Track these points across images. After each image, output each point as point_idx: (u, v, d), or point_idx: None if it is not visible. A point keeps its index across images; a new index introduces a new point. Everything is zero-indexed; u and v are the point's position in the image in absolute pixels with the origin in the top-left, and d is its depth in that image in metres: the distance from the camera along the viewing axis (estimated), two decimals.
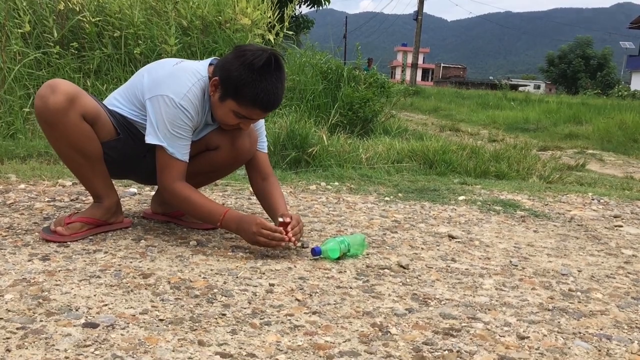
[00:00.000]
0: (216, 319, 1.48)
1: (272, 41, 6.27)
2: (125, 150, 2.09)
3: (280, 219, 2.06)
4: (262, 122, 2.32)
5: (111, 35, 5.42)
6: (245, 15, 6.05)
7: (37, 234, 2.07)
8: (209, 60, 2.09)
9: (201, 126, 2.12)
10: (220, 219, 2.03)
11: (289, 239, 2.01)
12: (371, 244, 2.31)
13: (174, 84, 1.97)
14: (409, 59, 41.76)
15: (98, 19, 5.44)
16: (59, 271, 1.72)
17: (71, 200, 2.64)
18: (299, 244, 2.13)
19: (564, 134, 10.30)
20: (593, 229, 2.90)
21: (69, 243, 1.97)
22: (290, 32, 7.13)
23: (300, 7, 16.26)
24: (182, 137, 1.99)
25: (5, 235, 2.02)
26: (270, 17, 6.46)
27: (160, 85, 1.97)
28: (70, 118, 1.90)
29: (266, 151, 2.34)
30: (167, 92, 1.95)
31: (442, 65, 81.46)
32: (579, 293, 1.91)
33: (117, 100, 2.10)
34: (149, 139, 1.98)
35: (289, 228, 2.03)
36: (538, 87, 62.10)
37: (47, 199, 2.61)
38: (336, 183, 3.62)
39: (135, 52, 5.33)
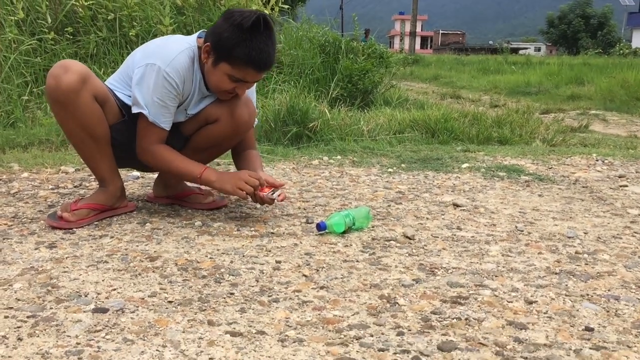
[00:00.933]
0: (224, 298, 1.49)
1: None
2: (130, 133, 2.09)
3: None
4: (254, 94, 2.32)
5: (105, 19, 5.36)
6: None
7: (42, 222, 2.07)
8: (197, 33, 2.11)
9: (196, 97, 2.12)
10: (200, 171, 2.08)
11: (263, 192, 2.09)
12: (376, 216, 2.31)
13: (162, 52, 2.00)
14: (407, 28, 41.37)
15: (91, 2, 5.38)
16: (67, 258, 1.73)
17: (74, 186, 2.64)
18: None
19: (566, 95, 10.21)
20: (598, 190, 2.89)
21: (74, 230, 1.98)
22: (286, 6, 7.05)
23: None
24: (165, 106, 2.01)
25: (11, 225, 2.03)
26: None
27: (149, 56, 2.01)
28: (82, 97, 1.90)
29: (253, 126, 2.34)
30: (154, 59, 1.97)
31: (440, 32, 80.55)
32: (585, 255, 1.91)
33: (113, 85, 2.09)
34: (133, 109, 2.02)
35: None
36: (539, 50, 61.53)
37: (50, 187, 2.61)
38: (339, 157, 3.61)
39: (130, 34, 5.28)
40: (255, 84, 2.19)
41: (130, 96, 2.05)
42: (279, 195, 2.13)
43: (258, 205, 2.36)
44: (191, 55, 2.03)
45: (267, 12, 6.08)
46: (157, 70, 1.95)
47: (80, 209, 2.05)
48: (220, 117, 2.15)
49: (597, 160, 3.68)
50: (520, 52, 41.84)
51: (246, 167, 2.24)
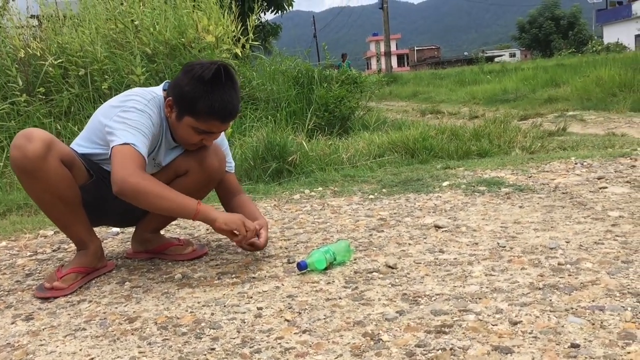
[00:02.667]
0: (205, 355, 1.46)
1: (240, 54, 6.25)
2: (99, 192, 2.06)
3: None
4: (225, 143, 2.31)
5: (76, 74, 5.38)
6: (209, 33, 6.02)
7: (20, 293, 2.04)
8: (162, 85, 2.10)
9: (164, 147, 2.10)
10: (196, 206, 1.92)
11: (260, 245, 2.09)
12: (358, 247, 2.30)
13: (132, 100, 1.96)
14: (382, 48, 41.79)
15: (60, 60, 5.40)
16: (43, 329, 1.69)
17: (53, 250, 2.61)
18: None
19: (543, 99, 10.31)
20: (578, 194, 2.90)
21: (51, 298, 1.94)
22: (257, 43, 7.11)
23: (264, 14, 16.22)
24: (143, 134, 1.91)
25: None
26: (234, 30, 6.43)
27: (115, 107, 1.96)
28: (50, 164, 1.87)
29: (233, 171, 2.34)
30: (127, 105, 1.94)
31: (415, 48, 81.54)
32: (568, 266, 1.90)
33: (79, 144, 2.07)
34: (110, 140, 1.89)
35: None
36: (514, 55, 62.30)
37: (29, 254, 2.58)
38: (320, 188, 3.61)
39: (102, 87, 5.29)
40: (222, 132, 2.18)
41: (98, 148, 2.02)
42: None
43: (239, 250, 2.34)
44: (158, 105, 2.02)
45: (238, 50, 6.14)
46: (133, 109, 1.92)
47: (68, 274, 2.02)
48: (189, 169, 2.14)
49: (576, 164, 3.70)
50: (496, 59, 42.36)
51: (244, 213, 2.15)
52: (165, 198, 1.88)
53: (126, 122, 1.90)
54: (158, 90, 2.07)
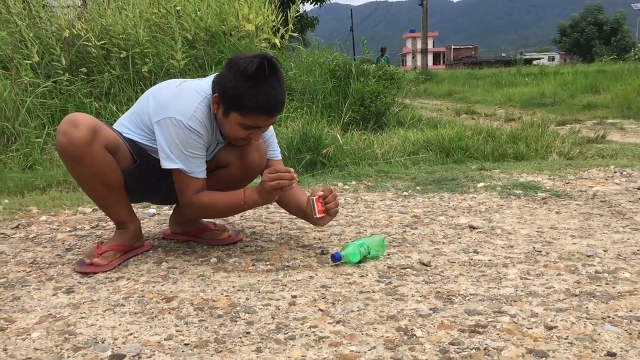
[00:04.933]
0: (240, 338, 1.49)
1: (278, 44, 6.27)
2: (142, 175, 2.10)
3: (313, 197, 2.07)
4: (271, 130, 2.31)
5: (118, 57, 5.47)
6: (249, 22, 6.05)
7: (60, 266, 2.09)
8: (212, 77, 2.08)
9: (213, 144, 2.12)
10: (242, 198, 2.03)
11: (294, 175, 1.98)
12: (391, 243, 2.30)
13: (180, 105, 1.96)
14: (419, 45, 41.47)
15: (103, 42, 5.49)
16: (84, 303, 1.74)
17: (92, 227, 2.67)
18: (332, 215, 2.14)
19: (582, 105, 10.12)
20: (617, 204, 2.85)
21: (91, 273, 1.99)
22: (296, 34, 7.12)
23: (303, 5, 16.24)
24: (197, 157, 1.99)
25: (29, 271, 2.05)
26: (274, 20, 6.46)
27: (166, 107, 1.97)
28: (94, 150, 1.92)
29: (280, 158, 2.33)
30: (174, 113, 1.94)
31: (452, 47, 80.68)
32: (605, 274, 1.88)
33: (125, 126, 2.11)
34: (165, 164, 1.97)
35: (321, 202, 2.08)
36: (552, 59, 61.25)
37: (68, 229, 2.64)
38: (353, 182, 3.61)
39: (143, 70, 5.37)
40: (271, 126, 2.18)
41: (145, 137, 2.06)
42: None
43: (273, 238, 2.37)
44: (208, 104, 2.00)
45: (277, 40, 6.16)
46: (179, 124, 1.92)
47: (107, 251, 2.07)
48: (230, 162, 2.15)
49: (615, 172, 3.64)
50: (534, 62, 41.66)
51: (297, 205, 2.23)
52: (219, 207, 2.08)
53: (179, 146, 1.95)
54: (207, 87, 2.03)
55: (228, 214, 2.26)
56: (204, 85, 2.04)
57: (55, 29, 5.68)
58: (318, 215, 2.07)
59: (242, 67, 1.89)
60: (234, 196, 2.05)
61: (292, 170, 1.98)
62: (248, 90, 1.88)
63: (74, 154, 1.91)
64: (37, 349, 1.44)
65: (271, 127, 2.32)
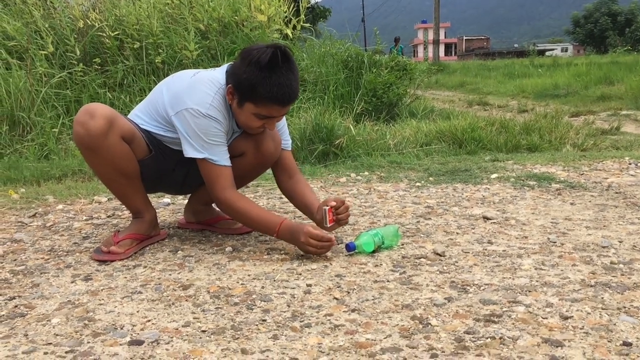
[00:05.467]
0: (257, 325, 1.50)
1: (290, 35, 6.27)
2: (158, 165, 2.12)
3: (326, 207, 2.08)
4: (283, 121, 2.32)
5: (132, 47, 5.50)
6: (261, 12, 6.06)
7: (78, 254, 2.12)
8: (225, 67, 2.08)
9: (229, 133, 2.13)
10: (276, 230, 2.04)
11: (334, 242, 2.03)
12: (405, 233, 2.31)
13: (196, 96, 1.97)
14: (430, 36, 41.27)
15: (117, 32, 5.52)
16: (102, 290, 1.76)
17: (108, 216, 2.70)
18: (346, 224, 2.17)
19: (595, 96, 10.05)
20: (632, 195, 2.84)
21: (108, 261, 2.02)
22: (307, 24, 7.11)
23: None
24: (219, 144, 2.00)
25: (48, 259, 2.08)
26: (285, 11, 6.46)
27: (182, 98, 1.97)
28: (111, 140, 1.94)
29: (290, 149, 2.34)
30: (191, 104, 1.95)
31: (464, 38, 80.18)
32: (621, 265, 1.88)
33: (139, 117, 2.12)
34: (189, 153, 1.98)
35: (332, 212, 2.09)
36: (566, 50, 60.80)
37: (84, 218, 2.67)
38: (366, 173, 3.62)
39: (156, 61, 5.39)
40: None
41: (160, 127, 2.07)
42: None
43: None
44: (223, 95, 2.01)
45: (289, 31, 6.16)
46: (198, 113, 1.93)
47: (124, 239, 2.10)
48: (246, 151, 2.17)
49: (630, 164, 3.62)
50: (547, 53, 41.32)
51: (303, 203, 2.24)
52: (254, 219, 2.08)
53: (201, 136, 1.96)
54: (222, 77, 2.03)
55: (256, 229, 2.23)
56: (217, 76, 2.05)
57: (70, 19, 5.71)
58: (329, 225, 2.09)
59: (256, 58, 1.89)
60: (270, 219, 2.06)
61: (334, 239, 2.04)
62: (262, 80, 1.89)
63: (91, 144, 1.93)
64: (57, 335, 1.46)
65: (284, 121, 2.33)
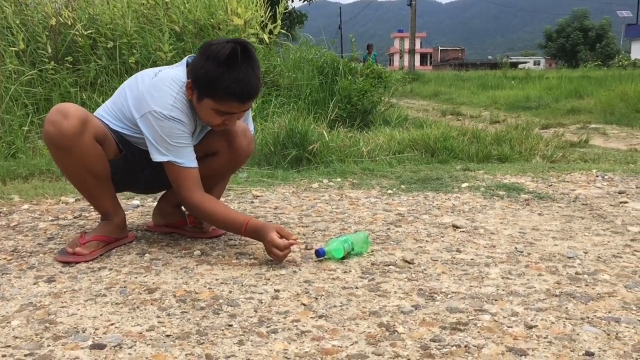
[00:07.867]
0: (223, 330, 1.49)
1: (266, 40, 6.26)
2: (128, 165, 2.09)
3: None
4: (250, 119, 2.30)
5: (105, 47, 5.42)
6: (238, 16, 6.03)
7: (42, 255, 2.08)
8: (185, 61, 2.03)
9: (197, 130, 2.10)
10: (243, 228, 2.02)
11: (296, 242, 2.03)
12: (375, 240, 2.31)
13: (159, 98, 1.93)
14: (406, 45, 41.61)
15: (90, 31, 5.44)
16: (65, 292, 1.73)
17: (74, 217, 2.65)
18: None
19: (565, 109, 10.22)
20: (598, 207, 2.89)
21: (73, 263, 1.98)
22: (284, 30, 7.11)
23: (292, 1, 16.20)
24: (184, 146, 1.98)
25: (10, 259, 2.03)
26: (262, 15, 6.44)
27: (145, 101, 1.93)
28: (84, 141, 1.90)
29: (252, 154, 2.34)
30: (154, 107, 1.91)
31: (440, 48, 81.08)
32: (585, 276, 1.91)
33: (105, 117, 2.07)
34: (155, 157, 1.96)
35: None
36: (538, 63, 61.85)
37: (50, 218, 2.62)
38: (338, 179, 3.62)
39: (130, 61, 5.33)
40: (249, 109, 2.17)
41: (126, 128, 2.04)
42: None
43: None
44: (184, 91, 1.98)
45: (265, 35, 6.14)
46: (161, 116, 1.90)
47: (90, 241, 2.05)
48: (219, 150, 2.15)
49: (597, 176, 3.68)
50: (520, 66, 42.03)
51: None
52: (221, 219, 2.07)
53: (165, 139, 1.94)
54: (183, 74, 1.99)
55: (225, 228, 2.20)
56: (179, 73, 2.00)
57: (42, 16, 5.62)
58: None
59: (215, 52, 1.85)
60: (237, 219, 2.04)
61: (297, 240, 2.05)
62: (220, 76, 1.85)
63: (64, 145, 1.88)
64: (16, 337, 1.43)
65: (250, 117, 2.32)
